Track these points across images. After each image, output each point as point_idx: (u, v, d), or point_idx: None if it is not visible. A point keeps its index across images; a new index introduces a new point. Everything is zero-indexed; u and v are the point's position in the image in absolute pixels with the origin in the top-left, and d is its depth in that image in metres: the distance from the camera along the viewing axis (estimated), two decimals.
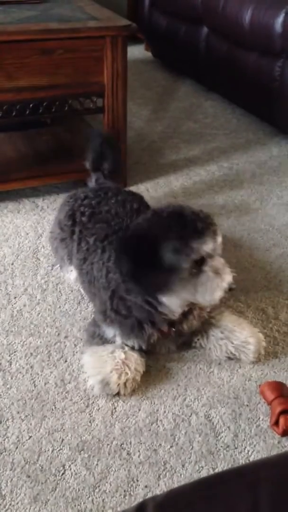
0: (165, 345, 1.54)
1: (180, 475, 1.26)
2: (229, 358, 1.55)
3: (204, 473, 1.28)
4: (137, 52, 4.27)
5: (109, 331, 1.52)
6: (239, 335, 1.55)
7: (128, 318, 1.47)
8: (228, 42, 3.00)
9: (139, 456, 1.30)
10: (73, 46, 2.05)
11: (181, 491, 0.73)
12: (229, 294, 1.42)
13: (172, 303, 1.42)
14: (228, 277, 1.38)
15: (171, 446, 1.32)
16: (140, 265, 1.35)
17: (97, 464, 1.28)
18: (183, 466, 1.28)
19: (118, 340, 1.51)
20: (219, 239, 1.39)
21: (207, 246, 1.35)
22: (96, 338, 1.54)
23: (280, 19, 2.53)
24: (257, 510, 0.65)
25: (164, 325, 1.48)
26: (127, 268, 1.37)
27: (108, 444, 1.32)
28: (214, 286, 1.37)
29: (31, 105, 2.08)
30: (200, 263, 1.36)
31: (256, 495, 0.67)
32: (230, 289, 1.39)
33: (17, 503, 1.20)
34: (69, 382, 1.48)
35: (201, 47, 3.27)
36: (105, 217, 1.69)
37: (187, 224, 1.34)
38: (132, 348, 1.50)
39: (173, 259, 1.32)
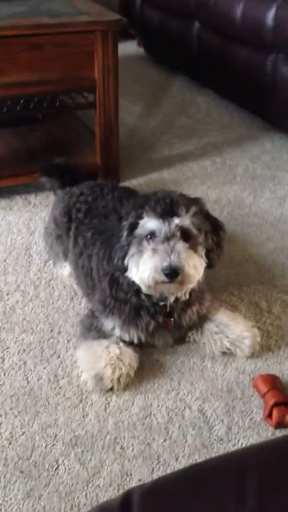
0: (163, 338, 1.54)
1: (174, 468, 1.26)
2: (224, 353, 1.55)
3: None
4: (129, 48, 4.25)
5: (108, 323, 1.51)
6: (235, 329, 1.54)
7: (126, 303, 1.47)
8: (220, 37, 3.00)
9: (132, 450, 1.30)
10: (63, 41, 2.04)
11: (169, 479, 0.73)
12: (173, 282, 1.34)
13: (134, 276, 1.41)
14: (161, 262, 1.32)
15: (164, 440, 1.32)
16: (113, 235, 1.45)
17: (90, 459, 1.28)
18: (176, 459, 1.28)
19: (117, 332, 1.50)
20: (174, 223, 1.35)
21: (151, 225, 1.36)
22: (93, 330, 1.53)
23: (271, 13, 2.52)
24: (244, 498, 0.66)
25: (159, 315, 1.48)
26: (105, 236, 1.50)
27: (101, 439, 1.32)
28: (147, 265, 1.35)
29: (21, 101, 2.08)
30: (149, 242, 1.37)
31: (243, 483, 0.68)
32: (166, 276, 1.32)
33: (11, 499, 1.19)
34: (62, 378, 1.47)
35: (193, 43, 3.26)
36: (103, 212, 1.69)
37: (149, 204, 1.38)
38: (131, 343, 1.50)
39: (125, 234, 1.40)
